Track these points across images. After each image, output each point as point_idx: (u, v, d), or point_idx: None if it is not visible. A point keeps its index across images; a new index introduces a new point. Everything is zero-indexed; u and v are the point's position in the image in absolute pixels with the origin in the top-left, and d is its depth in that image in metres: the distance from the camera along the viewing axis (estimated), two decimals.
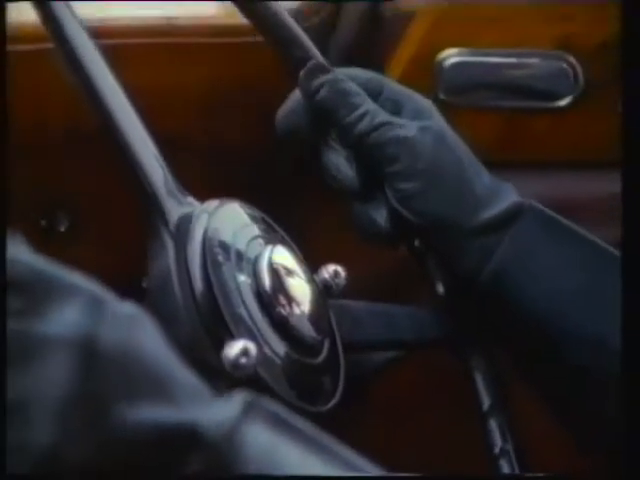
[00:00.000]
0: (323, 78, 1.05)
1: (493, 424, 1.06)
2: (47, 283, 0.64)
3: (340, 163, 1.05)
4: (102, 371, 0.63)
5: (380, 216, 1.05)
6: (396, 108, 1.05)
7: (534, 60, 1.36)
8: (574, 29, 1.36)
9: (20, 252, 0.65)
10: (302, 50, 1.07)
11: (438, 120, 1.05)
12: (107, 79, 0.89)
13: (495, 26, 1.38)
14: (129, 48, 1.24)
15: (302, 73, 1.04)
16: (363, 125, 1.02)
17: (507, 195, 1.05)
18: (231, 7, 1.08)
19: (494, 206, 1.03)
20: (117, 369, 0.64)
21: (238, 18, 1.08)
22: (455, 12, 1.39)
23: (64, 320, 0.63)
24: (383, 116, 1.02)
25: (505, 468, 1.05)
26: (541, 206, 1.03)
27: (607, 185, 1.22)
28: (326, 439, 0.69)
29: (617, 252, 0.98)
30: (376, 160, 1.03)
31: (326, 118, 1.04)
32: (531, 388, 1.08)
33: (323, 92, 1.04)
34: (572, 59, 1.34)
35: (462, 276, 1.05)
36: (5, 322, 0.63)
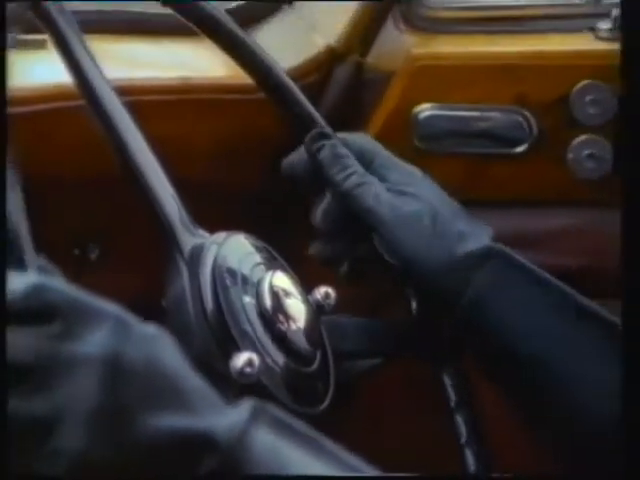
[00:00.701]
0: (324, 142, 1.09)
1: (459, 418, 1.10)
2: (79, 309, 0.66)
3: (323, 210, 1.09)
4: (128, 385, 0.65)
5: (338, 253, 1.13)
6: (385, 174, 1.09)
7: (495, 114, 1.38)
8: (528, 89, 1.38)
9: (55, 281, 0.69)
10: (303, 111, 1.11)
11: (420, 184, 1.09)
12: (131, 130, 0.91)
13: (462, 85, 1.39)
14: (152, 104, 1.25)
15: (308, 136, 1.09)
16: (350, 182, 1.06)
17: (481, 237, 1.07)
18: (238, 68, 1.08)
19: (470, 244, 1.06)
20: (141, 383, 0.66)
21: (245, 78, 1.10)
22: (427, 73, 1.39)
23: (94, 341, 0.65)
24: (367, 178, 1.07)
25: (469, 457, 1.09)
26: (510, 251, 1.05)
27: (559, 220, 1.33)
28: (325, 441, 0.70)
29: (578, 296, 1.04)
30: (357, 211, 1.06)
31: (322, 173, 1.08)
32: (502, 394, 1.11)
33: (322, 153, 1.09)
34: (527, 113, 1.36)
35: (441, 302, 1.07)
36: (6, 325, 0.65)
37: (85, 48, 0.91)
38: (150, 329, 0.68)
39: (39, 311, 0.66)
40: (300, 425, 0.71)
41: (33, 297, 0.65)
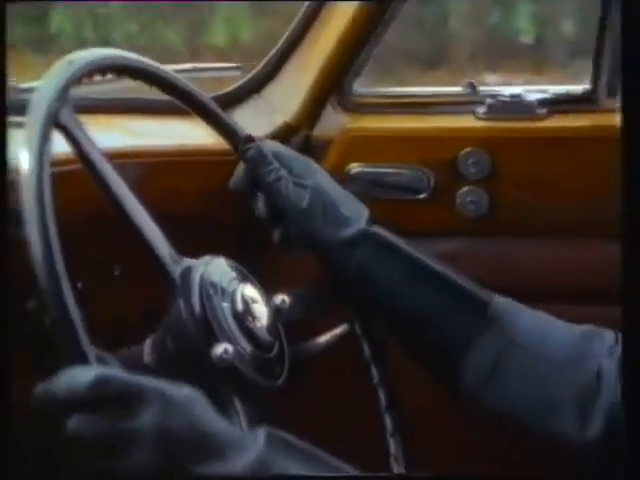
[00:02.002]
0: (251, 145, 1.08)
1: (383, 397, 1.12)
2: (133, 394, 0.71)
3: (260, 205, 1.09)
4: (176, 446, 0.70)
5: (277, 235, 1.10)
6: (291, 168, 1.08)
7: (404, 171, 1.40)
8: (427, 153, 1.40)
9: (113, 371, 0.75)
10: (238, 130, 1.11)
11: (315, 176, 1.09)
12: (127, 196, 0.90)
13: (381, 151, 1.41)
14: (155, 163, 1.25)
15: (240, 140, 1.09)
16: (271, 177, 1.06)
17: (361, 220, 1.08)
18: (217, 137, 1.12)
19: (352, 225, 1.07)
20: (186, 443, 0.71)
21: (223, 144, 1.12)
22: (356, 142, 1.42)
23: (146, 418, 0.70)
24: (282, 172, 1.06)
25: (389, 423, 1.10)
26: (382, 231, 1.08)
27: (449, 246, 1.37)
28: (319, 451, 0.76)
29: (436, 265, 1.07)
30: (276, 200, 1.07)
31: (251, 171, 1.08)
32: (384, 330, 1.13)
33: (250, 153, 1.07)
34: (427, 170, 1.39)
35: (335, 271, 1.09)
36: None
37: (85, 134, 0.89)
38: (184, 393, 0.73)
39: (103, 399, 0.70)
40: (299, 442, 0.76)
41: (97, 388, 0.70)
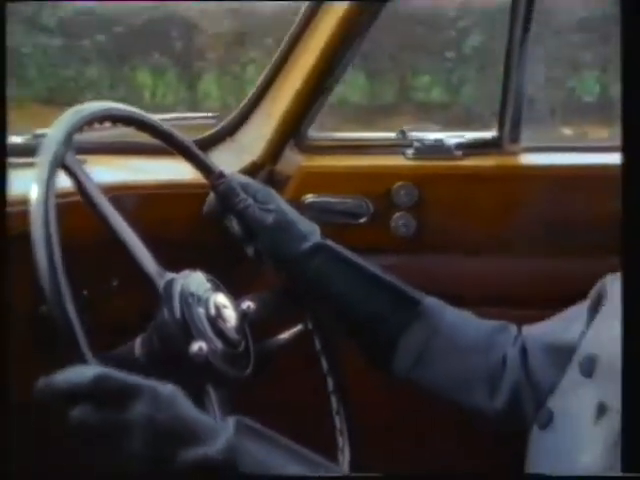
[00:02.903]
0: (223, 179, 1.08)
1: (330, 382, 1.11)
2: (126, 390, 0.70)
3: (234, 227, 1.09)
4: (163, 434, 0.70)
5: (250, 250, 1.10)
6: (256, 196, 1.08)
7: (348, 200, 1.40)
8: (368, 185, 1.40)
9: (108, 371, 0.72)
10: (212, 167, 1.10)
11: (276, 201, 1.10)
12: (122, 225, 0.90)
13: (330, 184, 1.41)
14: (149, 195, 1.24)
15: (213, 176, 1.09)
16: (241, 205, 1.06)
17: (315, 234, 1.09)
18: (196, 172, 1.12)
19: (309, 240, 1.07)
20: (170, 432, 0.70)
21: (202, 179, 1.12)
22: (310, 177, 1.42)
23: (137, 411, 0.69)
24: (249, 201, 1.07)
25: (335, 403, 1.09)
26: (333, 243, 1.09)
27: (385, 261, 1.31)
28: (287, 440, 0.75)
29: (380, 273, 1.08)
30: (247, 223, 1.07)
31: (224, 201, 1.08)
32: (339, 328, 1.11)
33: (223, 186, 1.07)
34: (367, 200, 1.39)
35: (295, 278, 1.09)
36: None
37: (85, 173, 0.90)
38: (168, 389, 0.73)
39: (102, 392, 0.70)
40: (269, 431, 0.75)
41: (98, 383, 0.70)
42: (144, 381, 0.73)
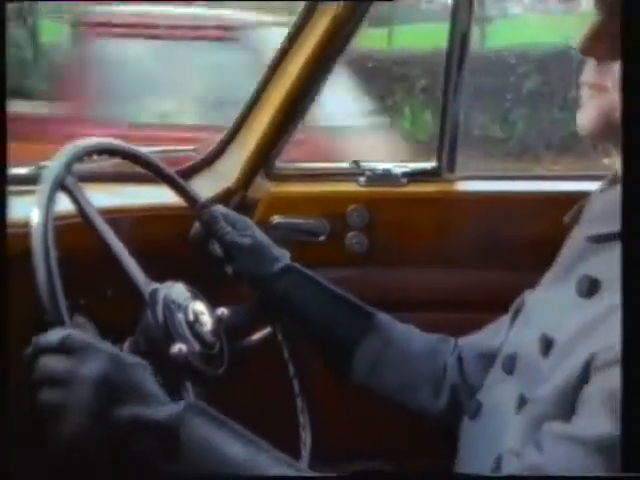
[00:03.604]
0: (207, 209, 1.08)
1: (296, 385, 1.09)
2: (88, 350, 0.71)
3: (217, 250, 1.09)
4: (111, 392, 0.69)
5: (230, 269, 1.09)
6: (235, 225, 1.08)
7: (309, 221, 1.40)
8: (326, 208, 1.41)
9: (79, 333, 0.73)
10: (193, 196, 1.10)
11: (251, 229, 1.09)
12: (115, 241, 0.91)
13: (294, 207, 1.42)
14: (134, 218, 1.23)
15: (198, 206, 1.09)
16: (223, 232, 1.06)
17: (285, 258, 1.08)
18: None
19: (280, 262, 1.07)
20: (120, 391, 0.69)
21: (184, 204, 1.11)
22: (277, 201, 1.42)
23: (94, 368, 0.69)
24: (229, 228, 1.07)
25: (300, 403, 1.07)
26: (300, 267, 1.08)
27: (341, 274, 1.32)
28: (235, 425, 0.73)
29: (340, 292, 1.06)
30: (227, 246, 1.07)
31: (208, 229, 1.08)
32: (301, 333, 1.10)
33: (205, 216, 1.07)
34: (324, 220, 1.40)
35: (267, 296, 1.08)
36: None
37: (84, 196, 0.90)
38: (134, 360, 0.73)
39: (65, 351, 0.71)
40: (220, 415, 0.73)
41: (65, 341, 0.71)
42: (110, 347, 0.73)
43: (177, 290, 0.94)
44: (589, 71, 0.72)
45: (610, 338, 0.62)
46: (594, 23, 0.70)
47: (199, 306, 0.95)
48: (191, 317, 0.92)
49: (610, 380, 0.61)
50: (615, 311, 0.62)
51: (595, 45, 0.70)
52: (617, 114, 0.68)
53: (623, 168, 0.58)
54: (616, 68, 0.68)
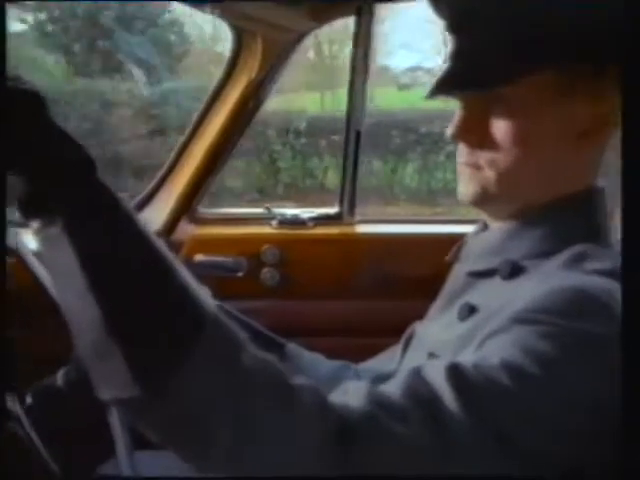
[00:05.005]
0: None
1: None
2: None
3: None
4: None
5: None
6: None
7: (229, 259, 1.40)
8: (243, 248, 1.42)
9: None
10: None
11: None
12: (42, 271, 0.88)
13: (214, 247, 1.42)
14: None
15: None
16: None
17: (208, 293, 0.98)
18: None
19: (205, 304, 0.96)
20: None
21: None
22: (199, 242, 1.42)
23: None
24: None
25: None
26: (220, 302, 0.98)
27: (254, 305, 1.33)
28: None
29: (255, 324, 0.99)
30: None
31: None
32: None
33: None
34: (242, 259, 1.42)
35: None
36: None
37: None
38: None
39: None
40: None
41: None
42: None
43: None
44: (462, 152, 0.72)
45: (482, 349, 0.62)
46: (461, 114, 0.70)
47: None
48: None
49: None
50: (486, 328, 0.62)
51: (464, 132, 0.70)
52: (492, 188, 0.70)
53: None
54: (486, 149, 0.69)
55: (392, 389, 0.57)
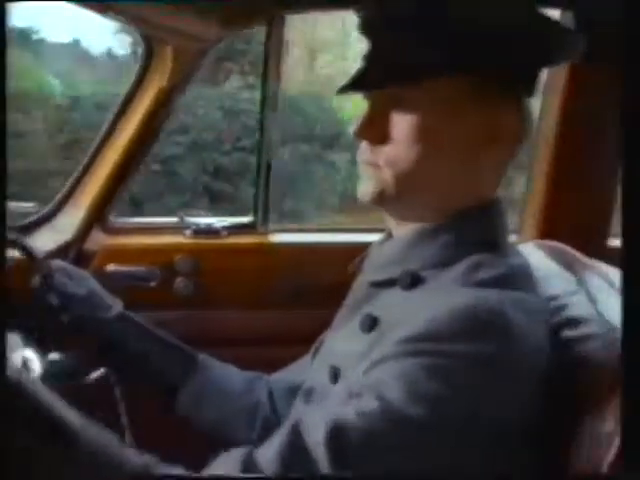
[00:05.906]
0: (44, 264, 1.03)
1: (125, 420, 1.02)
2: None
3: (54, 299, 1.01)
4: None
5: (66, 317, 1.01)
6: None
7: (141, 268, 1.39)
8: (156, 258, 1.41)
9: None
10: (32, 253, 1.05)
11: (91, 284, 1.04)
12: None
13: (129, 257, 1.40)
14: None
15: (36, 262, 1.04)
16: (58, 283, 1.01)
17: (118, 306, 1.02)
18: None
19: (114, 310, 1.01)
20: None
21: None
22: (111, 252, 1.41)
23: None
24: (66, 280, 1.02)
25: (128, 435, 1.00)
26: (130, 314, 1.03)
27: (165, 316, 1.29)
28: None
29: (166, 336, 1.02)
30: (64, 297, 1.00)
31: (45, 281, 1.01)
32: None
33: (43, 270, 1.01)
34: (155, 268, 1.40)
35: (104, 336, 1.01)
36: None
37: None
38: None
39: None
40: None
41: None
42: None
43: (12, 339, 0.91)
44: (364, 150, 0.73)
45: (369, 377, 0.65)
46: (365, 113, 0.72)
47: (28, 352, 0.91)
48: (20, 363, 0.89)
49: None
50: (387, 342, 0.65)
51: (367, 130, 0.71)
52: (389, 188, 0.71)
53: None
54: (386, 148, 0.70)
55: (269, 454, 0.62)
